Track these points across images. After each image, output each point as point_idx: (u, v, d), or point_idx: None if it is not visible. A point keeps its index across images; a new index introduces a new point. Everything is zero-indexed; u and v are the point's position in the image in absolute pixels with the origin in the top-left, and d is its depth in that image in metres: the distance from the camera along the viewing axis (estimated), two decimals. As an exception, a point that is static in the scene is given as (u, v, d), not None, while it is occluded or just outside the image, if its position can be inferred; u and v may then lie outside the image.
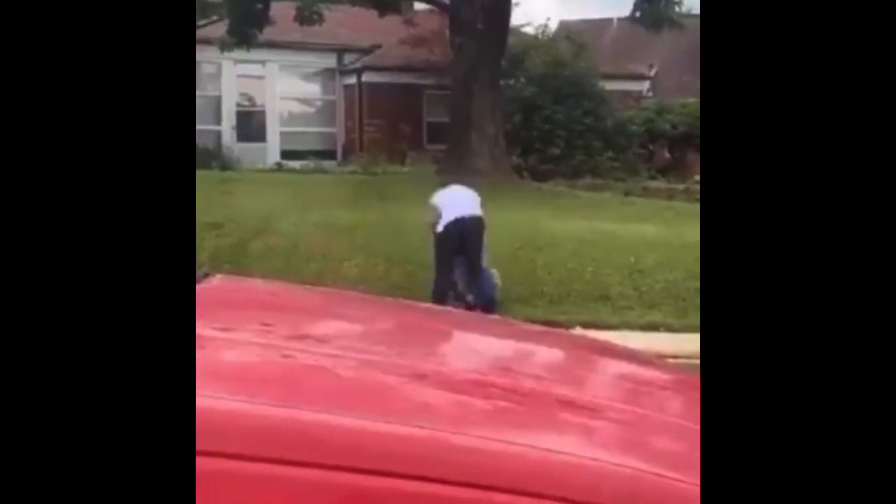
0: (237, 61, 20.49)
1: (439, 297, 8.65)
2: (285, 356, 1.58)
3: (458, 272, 9.02)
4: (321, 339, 1.82)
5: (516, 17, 20.11)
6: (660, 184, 19.13)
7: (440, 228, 8.86)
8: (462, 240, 8.88)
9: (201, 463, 1.12)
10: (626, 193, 17.33)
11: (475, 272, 8.98)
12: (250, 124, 22.64)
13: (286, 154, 22.06)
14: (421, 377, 1.57)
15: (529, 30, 23.08)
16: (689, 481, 1.23)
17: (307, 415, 1.25)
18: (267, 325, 1.83)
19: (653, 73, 25.58)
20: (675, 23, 17.10)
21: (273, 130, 22.82)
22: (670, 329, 8.89)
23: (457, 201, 9.01)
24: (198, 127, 17.54)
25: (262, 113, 22.96)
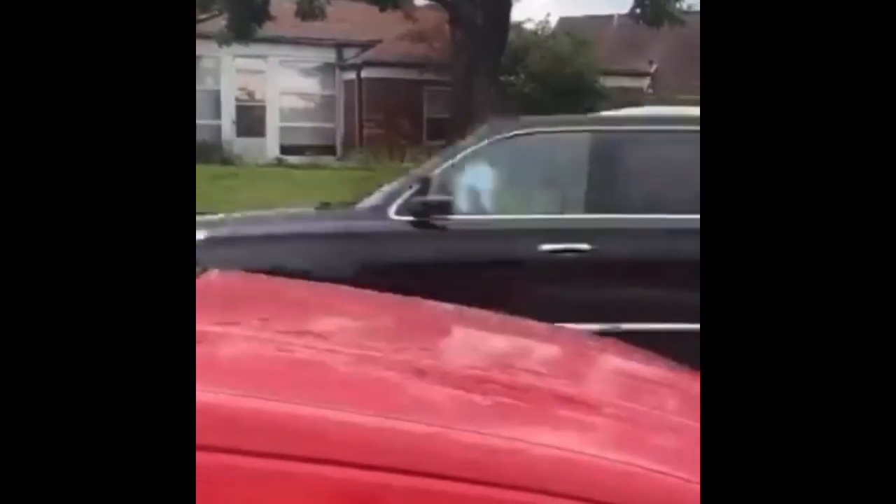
0: (237, 56, 20.50)
1: None
2: (285, 351, 1.58)
3: None
4: (320, 334, 1.82)
5: (516, 14, 20.18)
6: (660, 181, 19.11)
7: None
8: None
9: (201, 458, 1.12)
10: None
11: None
12: (250, 119, 22.65)
13: (286, 149, 22.06)
14: (420, 373, 1.57)
15: (530, 26, 23.11)
16: (689, 478, 1.23)
17: (307, 410, 1.25)
18: (266, 319, 1.83)
19: (653, 69, 25.56)
20: (675, 19, 17.12)
21: (273, 125, 22.83)
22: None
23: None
24: (197, 121, 17.58)
25: (262, 108, 22.97)
